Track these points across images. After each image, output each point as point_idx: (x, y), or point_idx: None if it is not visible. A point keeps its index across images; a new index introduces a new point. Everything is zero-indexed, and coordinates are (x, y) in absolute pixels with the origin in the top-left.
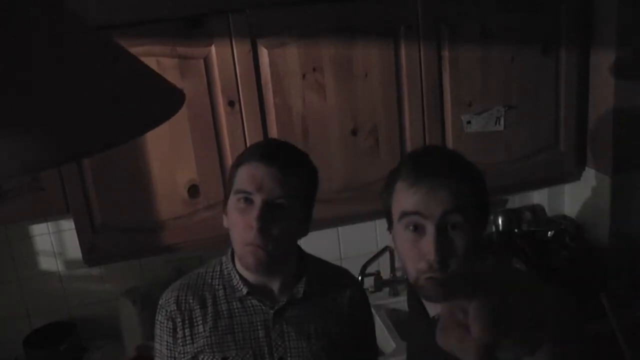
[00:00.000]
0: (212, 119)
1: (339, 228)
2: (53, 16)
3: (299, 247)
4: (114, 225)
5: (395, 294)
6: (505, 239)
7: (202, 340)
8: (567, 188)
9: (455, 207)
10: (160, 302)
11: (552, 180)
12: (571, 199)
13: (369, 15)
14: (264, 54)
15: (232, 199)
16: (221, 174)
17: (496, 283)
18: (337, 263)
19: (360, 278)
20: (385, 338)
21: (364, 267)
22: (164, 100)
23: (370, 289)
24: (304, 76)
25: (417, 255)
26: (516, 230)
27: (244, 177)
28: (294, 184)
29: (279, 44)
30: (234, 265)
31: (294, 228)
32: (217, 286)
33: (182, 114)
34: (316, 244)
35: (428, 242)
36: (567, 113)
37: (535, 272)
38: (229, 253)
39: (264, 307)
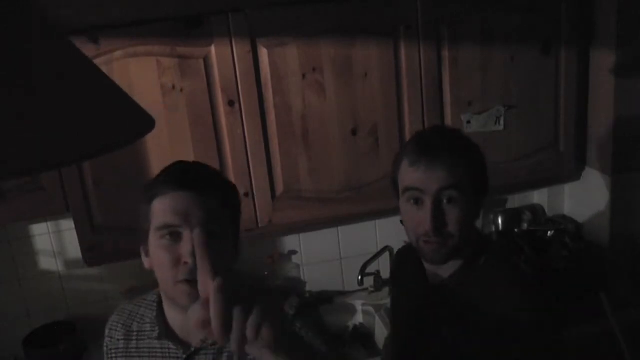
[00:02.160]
0: (212, 119)
1: (339, 228)
2: (39, 35)
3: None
4: (114, 225)
5: None
6: (505, 238)
7: None
8: (567, 188)
9: (451, 184)
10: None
11: (552, 180)
12: (571, 199)
13: (369, 15)
14: (263, 53)
15: (154, 237)
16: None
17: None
18: (337, 263)
19: (360, 278)
20: (385, 338)
21: (364, 267)
22: (135, 121)
23: (370, 289)
24: (303, 76)
25: (417, 223)
26: (516, 230)
27: (164, 210)
28: (220, 206)
29: (279, 43)
30: (161, 300)
31: (228, 254)
32: (147, 318)
33: (182, 113)
34: (316, 244)
35: (425, 214)
36: (567, 113)
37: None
38: None
39: (178, 352)
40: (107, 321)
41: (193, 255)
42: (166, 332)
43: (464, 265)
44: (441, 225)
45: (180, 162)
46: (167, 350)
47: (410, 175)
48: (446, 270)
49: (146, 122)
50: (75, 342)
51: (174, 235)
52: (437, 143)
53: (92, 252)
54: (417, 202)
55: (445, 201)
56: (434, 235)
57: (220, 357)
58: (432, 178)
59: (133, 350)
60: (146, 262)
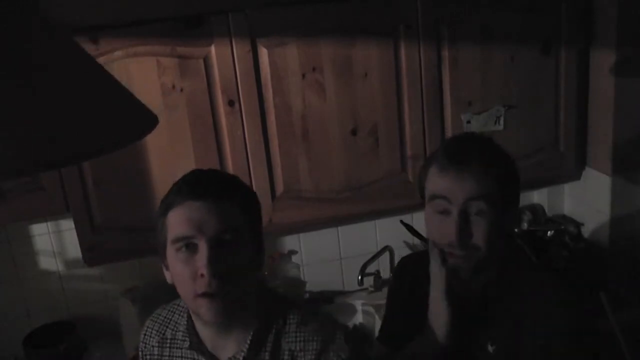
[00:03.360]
0: (212, 119)
1: (339, 228)
2: (40, 35)
3: (259, 286)
4: (114, 225)
5: None
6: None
7: None
8: (567, 188)
9: (479, 195)
10: None
11: (552, 180)
12: (571, 199)
13: (369, 15)
14: (263, 53)
15: (171, 250)
16: None
17: None
18: (337, 263)
19: (360, 278)
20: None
21: (364, 267)
22: (137, 120)
23: (370, 289)
24: (303, 76)
25: (441, 233)
26: (516, 230)
27: (179, 221)
28: (236, 213)
29: (279, 43)
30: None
31: (249, 263)
32: (180, 326)
33: (182, 113)
34: (316, 244)
35: (451, 225)
36: (567, 113)
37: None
38: None
39: None
40: (143, 327)
41: (209, 265)
42: (197, 343)
43: (498, 276)
44: (467, 238)
45: (194, 171)
46: None
47: (438, 182)
48: (478, 282)
49: (149, 120)
50: (75, 342)
51: (190, 247)
52: (469, 151)
53: (92, 252)
54: (443, 212)
55: (473, 213)
56: (459, 248)
57: None
58: (461, 187)
59: (166, 358)
60: (167, 276)
